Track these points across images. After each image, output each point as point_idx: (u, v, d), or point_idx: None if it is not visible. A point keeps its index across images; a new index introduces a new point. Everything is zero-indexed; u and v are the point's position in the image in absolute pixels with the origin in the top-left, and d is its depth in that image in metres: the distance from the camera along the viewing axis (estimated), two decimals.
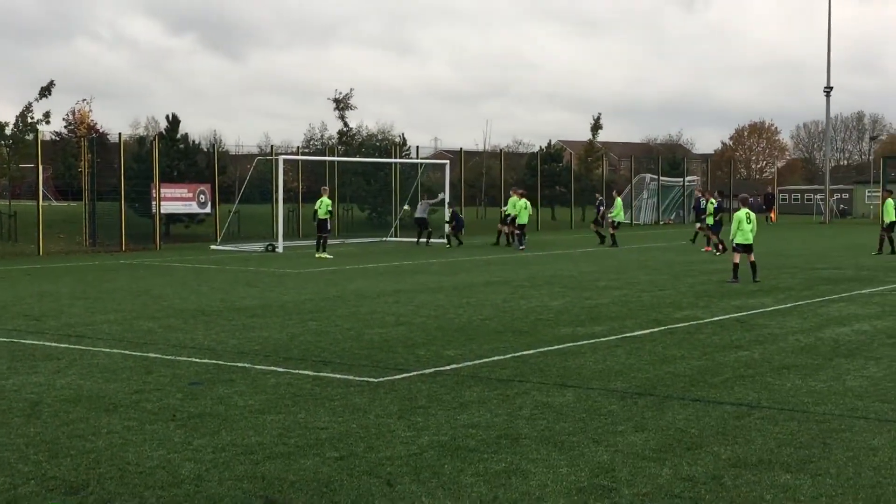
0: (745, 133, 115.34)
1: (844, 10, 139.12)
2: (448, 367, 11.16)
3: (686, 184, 61.48)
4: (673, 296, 18.55)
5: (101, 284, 20.92)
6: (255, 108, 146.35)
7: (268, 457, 7.57)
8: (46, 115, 32.95)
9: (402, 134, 57.54)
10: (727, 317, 15.62)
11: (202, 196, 37.56)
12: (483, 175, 59.82)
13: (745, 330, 14.21)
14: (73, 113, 59.11)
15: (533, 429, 8.42)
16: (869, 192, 73.14)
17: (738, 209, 21.55)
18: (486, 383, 10.33)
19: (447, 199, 37.45)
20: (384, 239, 39.22)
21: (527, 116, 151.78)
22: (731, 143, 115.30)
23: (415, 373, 10.85)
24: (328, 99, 50.77)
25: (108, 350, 12.38)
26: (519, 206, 33.90)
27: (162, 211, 35.26)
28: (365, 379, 10.52)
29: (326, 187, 33.35)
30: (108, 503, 6.57)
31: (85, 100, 74.99)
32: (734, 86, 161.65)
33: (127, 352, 12.23)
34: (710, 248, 31.57)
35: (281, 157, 35.89)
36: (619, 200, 37.26)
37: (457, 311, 16.24)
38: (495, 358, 11.81)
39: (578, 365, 11.39)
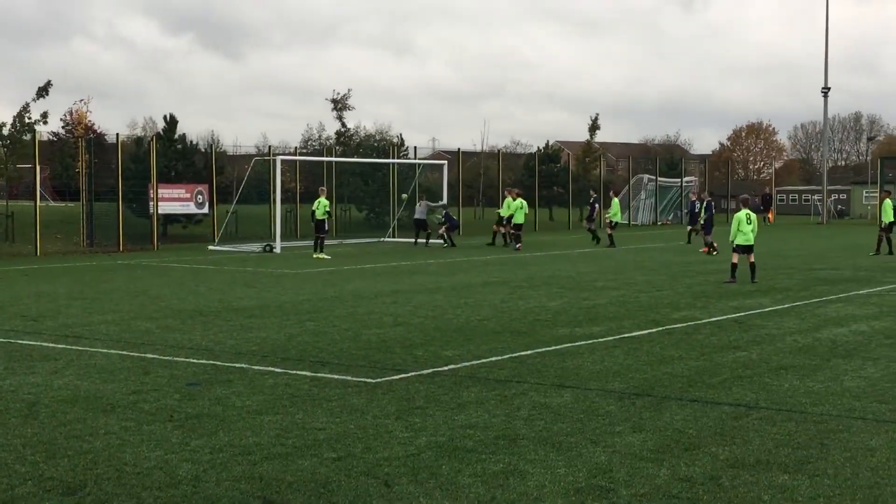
0: (743, 133, 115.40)
1: (842, 11, 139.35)
2: (446, 368, 11.16)
3: (684, 184, 61.52)
4: (671, 296, 18.56)
5: (98, 285, 20.91)
6: (253, 109, 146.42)
7: (265, 457, 7.56)
8: (44, 115, 32.93)
9: (400, 134, 57.66)
10: (725, 317, 15.63)
11: (200, 196, 37.54)
12: (481, 175, 59.83)
13: (742, 330, 14.21)
14: (71, 113, 59.07)
15: (531, 429, 8.42)
16: (866, 192, 73.22)
17: (737, 209, 21.57)
18: (483, 384, 10.33)
19: (444, 203, 37.43)
20: (382, 239, 39.22)
21: (525, 117, 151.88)
22: (728, 143, 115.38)
23: (413, 373, 10.85)
24: (326, 99, 50.75)
25: (105, 350, 12.37)
26: (514, 206, 33.93)
27: (159, 211, 35.25)
28: (363, 379, 10.51)
29: (324, 188, 33.32)
30: None
31: (83, 100, 74.87)
32: (732, 86, 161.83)
33: (124, 352, 12.22)
34: (706, 249, 31.60)
35: (279, 158, 35.91)
36: (616, 201, 37.28)
37: (455, 311, 16.23)
38: (493, 358, 11.81)
39: (576, 365, 11.38)
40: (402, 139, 52.37)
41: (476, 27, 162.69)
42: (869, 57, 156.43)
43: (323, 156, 48.35)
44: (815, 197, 73.87)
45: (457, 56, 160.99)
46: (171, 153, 39.41)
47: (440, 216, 36.66)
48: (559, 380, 10.56)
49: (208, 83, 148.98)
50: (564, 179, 56.36)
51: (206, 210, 37.95)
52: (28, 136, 32.73)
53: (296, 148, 51.03)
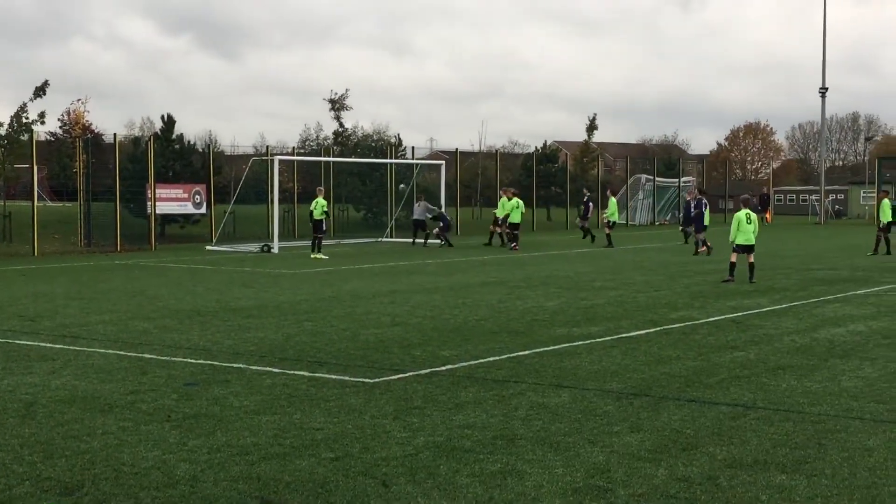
0: (741, 134, 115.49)
1: (840, 12, 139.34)
2: (444, 368, 11.16)
3: (682, 185, 61.55)
4: (668, 296, 18.57)
5: (96, 285, 20.90)
6: (251, 109, 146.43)
7: (263, 457, 7.56)
8: (41, 115, 32.90)
9: (398, 134, 57.65)
10: (723, 317, 15.63)
11: (197, 196, 37.52)
12: (479, 176, 59.86)
13: (740, 330, 14.22)
14: (69, 113, 59.06)
15: (528, 429, 8.42)
16: (864, 192, 73.29)
17: (737, 210, 21.60)
18: (481, 384, 10.33)
19: (439, 210, 37.41)
20: (379, 240, 39.21)
21: (523, 117, 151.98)
22: (726, 143, 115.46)
23: (410, 373, 10.85)
24: (324, 100, 50.72)
25: (103, 351, 12.36)
26: (510, 206, 33.95)
27: (157, 211, 35.23)
28: (360, 379, 10.51)
29: (322, 188, 33.33)
30: None
31: (80, 100, 74.85)
32: (730, 86, 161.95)
33: (122, 352, 12.21)
34: (704, 249, 31.61)
35: (276, 158, 35.89)
36: (613, 200, 37.29)
37: (452, 311, 16.23)
38: (491, 358, 11.81)
39: (574, 365, 11.39)
40: (399, 139, 52.43)
41: (474, 27, 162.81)
42: (867, 57, 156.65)
43: (321, 156, 48.34)
44: (813, 197, 73.95)
45: (455, 56, 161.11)
46: (169, 153, 39.38)
47: (430, 216, 36.76)
48: (557, 380, 10.56)
49: (206, 83, 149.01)
50: (562, 179, 56.38)
51: (203, 210, 37.93)
52: (25, 137, 32.70)
53: (293, 148, 51.01)
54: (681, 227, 36.08)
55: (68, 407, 9.25)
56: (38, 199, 33.40)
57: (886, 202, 31.83)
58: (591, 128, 61.93)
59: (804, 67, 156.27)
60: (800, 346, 12.93)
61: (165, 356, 11.94)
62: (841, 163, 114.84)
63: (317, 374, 10.77)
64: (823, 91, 64.60)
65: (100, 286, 20.62)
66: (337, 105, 50.97)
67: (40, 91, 33.21)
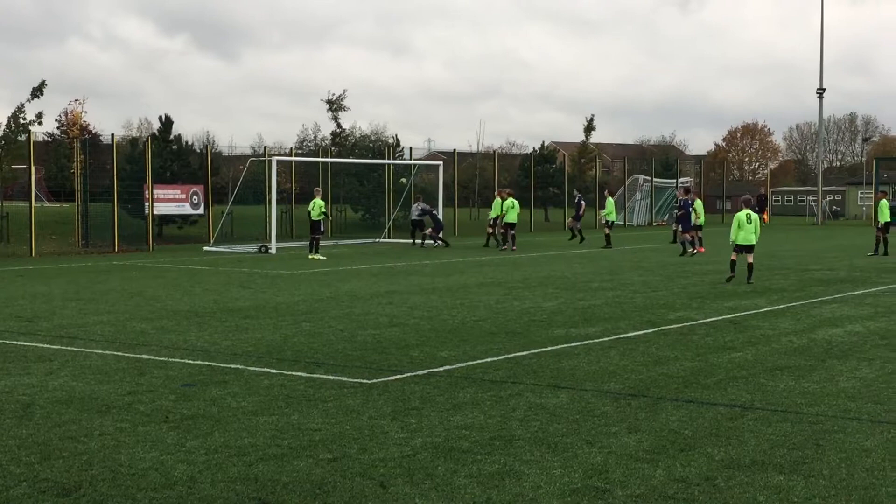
0: (738, 134, 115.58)
1: (837, 12, 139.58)
2: (441, 369, 11.16)
3: (679, 185, 61.58)
4: (666, 297, 18.57)
5: (93, 286, 20.89)
6: (249, 109, 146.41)
7: (261, 458, 7.56)
8: (39, 115, 32.89)
9: (396, 135, 57.60)
10: (720, 318, 15.64)
11: (195, 197, 37.51)
12: (476, 176, 59.88)
13: (738, 331, 14.23)
14: (66, 114, 59.06)
15: (526, 430, 8.42)
16: (861, 193, 73.35)
17: (738, 210, 21.63)
18: (479, 385, 10.33)
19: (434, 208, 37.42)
20: (377, 240, 39.21)
21: (521, 117, 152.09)
22: (724, 144, 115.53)
23: (408, 374, 10.85)
24: (321, 100, 50.74)
25: (100, 351, 12.35)
26: (506, 206, 33.98)
27: (155, 212, 35.21)
28: (358, 380, 10.51)
29: (319, 189, 33.32)
30: None
31: (78, 100, 74.85)
32: (728, 87, 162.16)
33: (120, 353, 12.20)
34: (702, 249, 31.64)
35: (274, 159, 35.87)
36: (610, 200, 37.32)
37: (450, 312, 16.23)
38: (489, 359, 11.81)
39: (572, 366, 11.39)
40: (397, 140, 52.40)
41: (472, 28, 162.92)
42: (864, 58, 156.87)
43: (318, 156, 48.33)
44: (811, 198, 74.01)
45: (453, 56, 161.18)
46: (167, 154, 39.38)
47: (413, 212, 36.87)
48: (555, 380, 10.56)
49: (204, 84, 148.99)
50: (560, 180, 56.40)
51: (201, 211, 37.92)
52: (23, 137, 32.68)
53: (291, 149, 50.98)
54: (673, 228, 36.10)
55: (66, 408, 9.24)
56: (35, 200, 33.38)
57: (884, 202, 31.89)
58: (589, 128, 61.98)
59: (802, 68, 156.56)
60: (797, 346, 12.94)
61: (163, 357, 11.94)
62: (838, 163, 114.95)
63: (314, 375, 10.77)
64: (821, 92, 64.69)
65: (97, 287, 20.60)
66: (335, 105, 50.96)
67: (37, 91, 33.19)
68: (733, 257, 21.28)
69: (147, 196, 34.57)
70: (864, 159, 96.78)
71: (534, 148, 60.44)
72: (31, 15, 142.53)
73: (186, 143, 43.12)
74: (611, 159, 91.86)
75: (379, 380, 10.53)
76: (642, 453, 7.73)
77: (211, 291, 19.56)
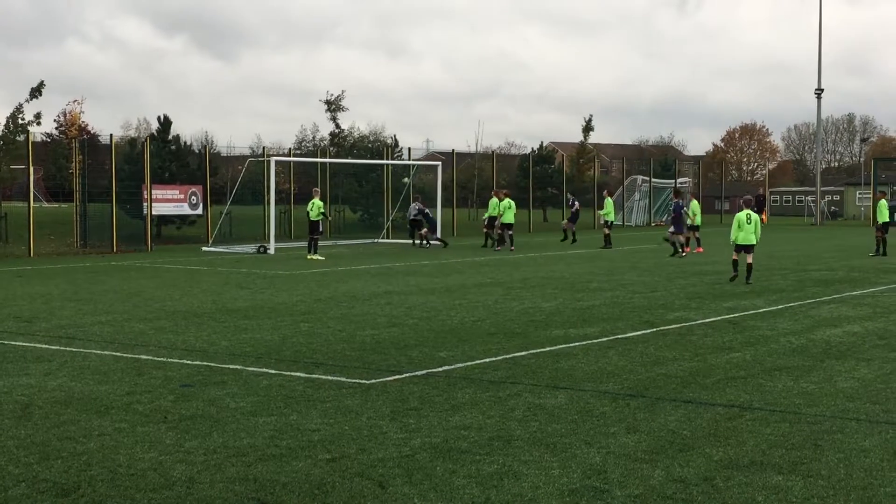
0: (737, 135, 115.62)
1: (835, 13, 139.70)
2: (440, 369, 11.16)
3: (677, 186, 61.60)
4: (665, 297, 18.58)
5: (92, 286, 20.87)
6: (247, 110, 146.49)
7: (260, 458, 7.55)
8: (37, 116, 32.87)
9: (394, 135, 57.64)
10: (719, 318, 15.64)
11: (194, 197, 37.51)
12: (475, 177, 59.88)
13: (736, 331, 14.23)
14: (64, 114, 59.08)
15: (525, 430, 8.42)
16: (860, 193, 73.39)
17: (739, 210, 21.67)
18: (478, 385, 10.33)
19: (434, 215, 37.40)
20: (376, 241, 39.20)
21: (519, 118, 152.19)
22: (722, 144, 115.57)
23: (407, 374, 10.84)
24: (320, 101, 50.73)
25: (99, 352, 12.34)
26: (503, 206, 34.00)
27: (153, 212, 35.20)
28: (357, 381, 10.51)
29: (318, 189, 33.32)
30: None
31: (76, 101, 74.81)
32: (726, 87, 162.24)
33: (118, 353, 12.20)
34: (700, 249, 31.67)
35: (273, 159, 35.85)
36: (609, 200, 37.33)
37: (449, 312, 16.23)
38: (487, 360, 11.81)
39: (570, 366, 11.39)
40: (396, 140, 52.42)
41: (470, 28, 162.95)
42: (862, 58, 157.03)
43: (317, 157, 48.31)
44: (809, 198, 74.04)
45: (451, 57, 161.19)
46: (165, 154, 39.37)
47: (408, 215, 36.88)
48: (553, 381, 10.56)
49: (202, 84, 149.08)
50: (558, 180, 56.41)
51: (199, 211, 37.92)
52: (21, 137, 32.66)
53: (290, 149, 50.98)
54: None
55: (64, 408, 9.23)
56: (34, 200, 33.36)
57: (883, 203, 31.93)
58: (588, 129, 62.01)
59: (800, 69, 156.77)
60: (796, 346, 12.94)
61: (162, 357, 11.93)
62: (836, 164, 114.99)
63: (313, 376, 10.76)
64: (819, 92, 64.71)
65: (96, 287, 20.59)
66: (333, 106, 50.98)
67: (36, 92, 33.17)
68: (735, 257, 21.30)
69: (145, 196, 34.55)
70: (862, 160, 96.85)
71: (532, 148, 60.54)
72: (29, 15, 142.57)
73: (185, 143, 43.13)
74: (609, 160, 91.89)
75: (378, 380, 10.53)
76: (641, 453, 7.73)
77: (209, 292, 19.55)
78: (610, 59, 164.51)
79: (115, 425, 8.57)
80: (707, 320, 15.39)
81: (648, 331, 14.23)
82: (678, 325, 14.81)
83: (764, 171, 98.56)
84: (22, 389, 10.07)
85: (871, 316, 16.05)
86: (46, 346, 12.77)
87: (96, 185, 35.23)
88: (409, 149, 48.87)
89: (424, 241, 35.39)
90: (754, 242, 21.22)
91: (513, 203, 34.29)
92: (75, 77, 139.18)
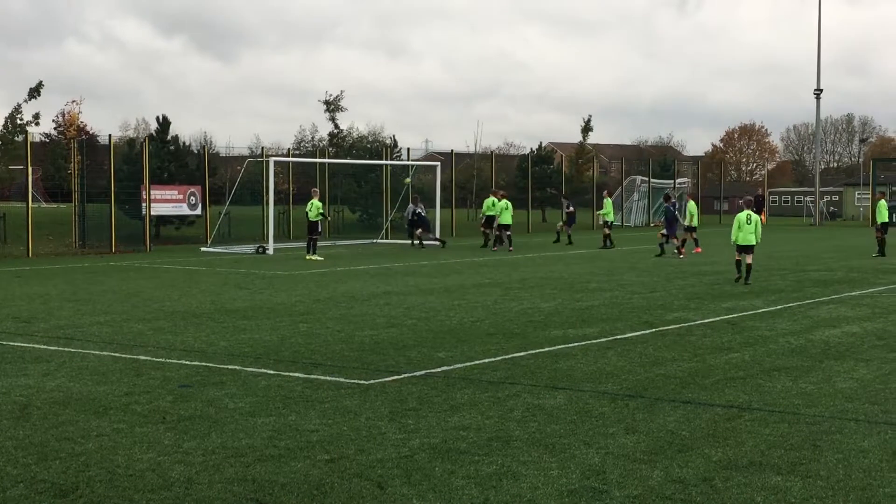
0: (736, 135, 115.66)
1: (834, 13, 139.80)
2: (439, 370, 11.15)
3: (676, 186, 61.61)
4: (664, 298, 18.58)
5: (90, 286, 20.86)
6: (246, 110, 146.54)
7: (258, 459, 7.55)
8: (36, 116, 32.88)
9: (393, 136, 57.60)
10: (718, 319, 15.64)
11: (192, 198, 37.49)
12: (474, 177, 59.88)
13: (735, 332, 14.23)
14: (63, 114, 59.06)
15: (524, 431, 8.42)
16: (858, 194, 73.42)
17: (739, 210, 21.70)
18: (477, 385, 10.32)
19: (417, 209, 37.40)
20: (375, 241, 39.20)
21: (518, 118, 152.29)
22: (721, 145, 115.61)
23: (406, 375, 10.84)
24: (319, 101, 50.75)
25: (97, 352, 12.34)
26: (500, 207, 34.01)
27: (152, 213, 35.18)
28: (356, 381, 10.50)
29: (317, 189, 33.31)
30: None
31: (75, 101, 74.79)
32: (725, 88, 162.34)
33: (117, 354, 12.19)
34: (699, 249, 31.68)
35: (272, 159, 35.85)
36: (608, 201, 37.34)
37: (448, 313, 16.23)
38: (486, 360, 11.81)
39: (569, 367, 11.38)
40: (395, 140, 52.43)
41: (470, 28, 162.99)
42: (861, 59, 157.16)
43: (316, 157, 48.31)
44: (808, 198, 74.06)
45: (449, 57, 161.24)
46: (164, 154, 39.36)
47: (405, 216, 36.88)
48: (552, 381, 10.56)
49: (201, 84, 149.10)
50: (557, 181, 56.42)
51: (198, 211, 37.90)
52: (20, 138, 32.66)
53: (289, 149, 50.98)
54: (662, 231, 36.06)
55: (63, 409, 9.23)
56: (32, 201, 33.35)
57: (883, 203, 31.94)
58: (586, 129, 62.05)
59: (799, 69, 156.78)
60: (795, 347, 12.94)
61: (160, 358, 11.92)
62: (835, 164, 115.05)
63: (312, 376, 10.76)
64: (818, 92, 64.73)
65: (94, 288, 20.58)
66: (332, 106, 51.00)
67: (35, 92, 33.19)
68: (738, 258, 21.32)
69: (144, 197, 34.54)
70: (861, 160, 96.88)
71: (531, 149, 60.57)
72: (28, 15, 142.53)
73: (184, 143, 43.13)
74: (608, 160, 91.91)
75: (376, 381, 10.53)
76: (640, 454, 7.73)
77: (208, 292, 19.54)
78: (610, 59, 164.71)
79: (113, 426, 8.56)
80: (706, 321, 15.39)
81: (647, 331, 14.23)
82: (677, 326, 14.81)
83: (763, 172, 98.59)
84: (20, 390, 10.07)
85: (870, 316, 16.05)
86: (45, 347, 12.76)
87: (95, 185, 35.23)
88: (409, 149, 48.91)
89: (418, 242, 35.41)
90: (754, 243, 21.22)
91: (509, 204, 34.30)
92: (75, 77, 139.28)
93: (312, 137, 63.73)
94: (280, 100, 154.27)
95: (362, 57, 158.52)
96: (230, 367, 11.31)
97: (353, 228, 44.87)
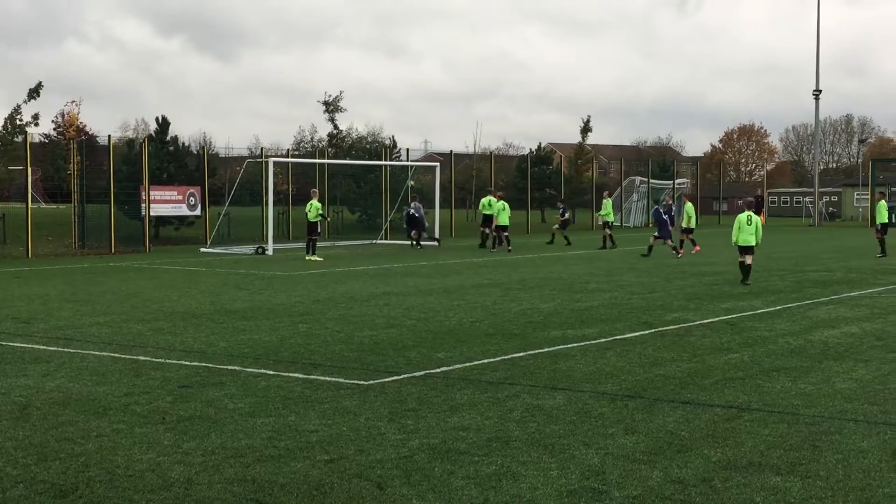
0: (735, 136, 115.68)
1: (833, 14, 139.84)
2: (438, 370, 11.15)
3: (675, 186, 61.64)
4: (663, 298, 18.58)
5: (90, 287, 20.86)
6: (246, 110, 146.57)
7: (258, 460, 7.55)
8: (35, 116, 32.88)
9: (393, 136, 57.63)
10: (717, 319, 15.65)
11: (192, 198, 37.49)
12: (473, 178, 59.88)
13: (734, 332, 14.23)
14: (63, 115, 59.05)
15: (523, 431, 8.42)
16: (857, 194, 73.44)
17: (740, 211, 21.74)
18: (476, 386, 10.33)
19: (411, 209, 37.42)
20: (374, 241, 39.20)
21: (518, 118, 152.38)
22: (720, 145, 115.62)
23: (405, 375, 10.84)
24: (318, 101, 50.73)
25: (97, 353, 12.34)
26: (496, 208, 34.03)
27: (151, 213, 35.17)
28: (355, 381, 10.50)
29: (316, 190, 33.32)
30: None
31: (74, 101, 74.75)
32: (724, 88, 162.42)
33: (116, 354, 12.19)
34: (697, 248, 31.71)
35: (271, 160, 35.85)
36: (607, 201, 37.34)
37: (447, 313, 16.23)
38: (486, 360, 11.81)
39: (569, 367, 11.39)
40: (394, 141, 52.43)
41: (469, 29, 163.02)
42: (860, 60, 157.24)
43: (315, 158, 48.29)
44: (807, 199, 74.09)
45: (450, 58, 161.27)
46: (164, 155, 39.36)
47: (406, 216, 36.87)
48: (552, 382, 10.56)
49: (201, 85, 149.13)
50: (556, 182, 56.42)
51: (198, 212, 37.90)
52: (20, 138, 32.66)
53: (288, 150, 51.04)
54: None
55: (62, 409, 9.23)
56: (32, 201, 33.35)
57: (883, 203, 31.95)
58: (586, 129, 62.06)
59: (798, 70, 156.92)
60: (794, 347, 12.95)
61: (160, 358, 11.92)
62: (834, 165, 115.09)
63: (311, 377, 10.76)
64: (817, 93, 64.75)
65: (94, 288, 20.58)
66: (331, 107, 51.00)
67: (34, 93, 33.20)
68: (741, 259, 21.34)
69: (144, 197, 34.53)
70: (860, 161, 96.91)
71: (530, 149, 60.54)
72: (28, 16, 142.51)
73: (183, 144, 43.12)
74: (607, 160, 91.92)
75: (376, 381, 10.53)
76: (639, 454, 7.73)
77: (207, 293, 19.54)
78: (610, 59, 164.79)
79: (113, 426, 8.56)
80: (705, 321, 15.39)
81: (647, 332, 14.24)
82: (676, 326, 14.81)
83: (762, 172, 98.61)
84: (20, 390, 10.07)
85: (869, 317, 16.06)
86: (44, 348, 12.76)
87: (94, 186, 35.23)
88: (408, 149, 48.91)
89: (415, 242, 35.43)
90: (754, 244, 21.25)
91: (506, 205, 34.32)
92: (75, 77, 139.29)
93: (312, 138, 63.76)
94: (280, 100, 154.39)
95: (362, 57, 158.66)
96: (230, 367, 11.31)
97: (352, 229, 44.86)
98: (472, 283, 21.51)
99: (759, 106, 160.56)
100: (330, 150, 50.29)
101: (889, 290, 20.47)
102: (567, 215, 39.62)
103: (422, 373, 10.99)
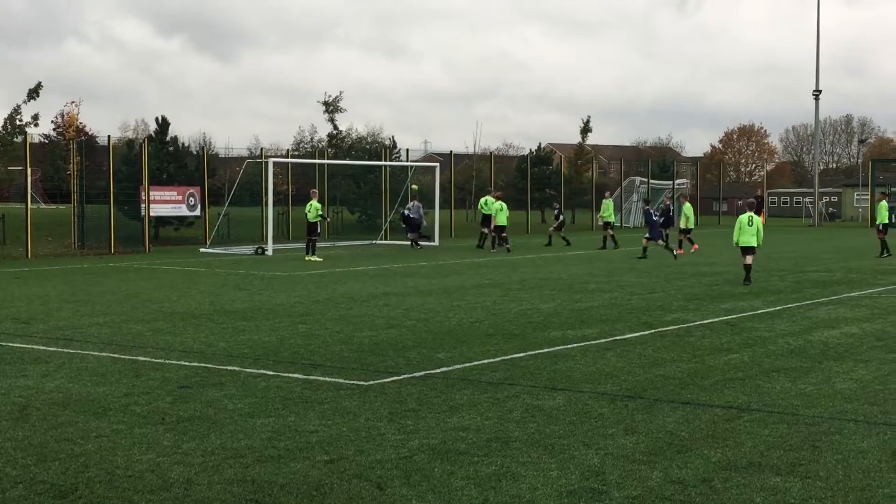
0: (735, 136, 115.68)
1: (833, 14, 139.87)
2: (438, 371, 11.15)
3: (675, 187, 61.63)
4: (663, 298, 18.58)
5: (89, 287, 20.86)
6: (246, 111, 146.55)
7: (257, 460, 7.55)
8: (35, 117, 32.86)
9: (392, 137, 57.64)
10: (717, 319, 15.65)
11: (192, 199, 37.48)
12: (473, 178, 59.88)
13: (734, 333, 14.23)
14: (62, 115, 59.02)
15: (523, 432, 8.42)
16: (857, 195, 73.45)
17: (741, 212, 21.80)
18: (476, 386, 10.32)
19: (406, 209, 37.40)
20: (374, 242, 39.19)
21: (518, 118, 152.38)
22: (720, 145, 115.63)
23: (405, 376, 10.84)
24: (318, 102, 50.75)
25: (96, 353, 12.33)
26: (495, 208, 34.05)
27: (151, 214, 35.16)
28: (355, 382, 10.50)
29: (316, 190, 33.31)
30: None
31: (74, 102, 74.76)
32: (724, 89, 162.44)
33: (116, 355, 12.19)
34: (696, 246, 31.73)
35: (271, 160, 35.84)
36: (606, 202, 37.34)
37: (447, 313, 16.23)
38: (485, 361, 11.81)
39: (569, 368, 11.39)
40: (394, 141, 52.44)
41: (470, 28, 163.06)
42: (860, 60, 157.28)
43: (315, 158, 48.29)
44: (807, 199, 74.10)
45: (450, 58, 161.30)
46: (163, 155, 39.34)
47: (400, 217, 36.88)
48: (551, 382, 10.56)
49: (201, 85, 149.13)
50: (556, 182, 56.42)
51: (197, 212, 37.90)
52: (19, 139, 32.65)
53: (288, 150, 51.05)
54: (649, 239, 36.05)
55: (62, 410, 9.22)
56: (31, 202, 33.34)
57: (883, 204, 31.97)
58: (586, 130, 62.06)
59: (798, 70, 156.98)
60: (794, 348, 12.94)
61: (159, 359, 11.92)
62: (834, 165, 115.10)
63: (311, 377, 10.76)
64: (817, 93, 64.77)
65: (93, 289, 20.58)
66: (331, 107, 51.00)
67: (34, 93, 33.18)
68: (744, 261, 21.36)
69: (143, 198, 34.52)
70: (860, 161, 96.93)
71: (530, 149, 60.55)
72: (28, 16, 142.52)
73: (183, 144, 43.11)
74: (607, 161, 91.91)
75: (375, 381, 10.53)
76: (639, 455, 7.73)
77: (207, 293, 19.54)
78: (609, 59, 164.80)
79: (112, 427, 8.56)
80: (705, 322, 15.40)
81: (646, 332, 14.24)
82: (676, 327, 14.81)
83: (762, 173, 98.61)
84: (19, 391, 10.07)
85: (869, 317, 16.06)
86: (44, 348, 12.75)
87: (94, 186, 35.22)
88: (408, 150, 48.91)
89: (413, 243, 35.45)
90: (754, 244, 21.27)
91: (504, 205, 34.33)
92: (75, 77, 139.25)
93: (312, 138, 63.77)
94: (280, 100, 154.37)
95: (362, 57, 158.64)
96: (229, 368, 11.31)
97: (352, 229, 44.86)
98: (472, 284, 21.51)
99: (759, 106, 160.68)
100: (330, 150, 50.30)
101: (889, 290, 20.48)
102: (562, 217, 39.64)
103: (421, 373, 10.99)
